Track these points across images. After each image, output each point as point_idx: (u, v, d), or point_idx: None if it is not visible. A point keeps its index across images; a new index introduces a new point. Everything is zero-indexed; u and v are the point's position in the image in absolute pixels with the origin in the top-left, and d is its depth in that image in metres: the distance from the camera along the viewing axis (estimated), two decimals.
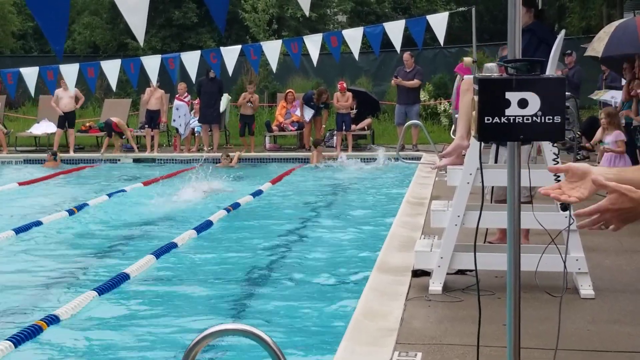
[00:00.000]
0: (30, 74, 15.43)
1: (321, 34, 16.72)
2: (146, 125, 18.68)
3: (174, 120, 18.42)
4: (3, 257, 8.82)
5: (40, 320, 6.16)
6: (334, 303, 6.81)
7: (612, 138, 9.57)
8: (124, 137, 18.57)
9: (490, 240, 7.20)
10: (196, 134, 18.74)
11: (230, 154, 16.93)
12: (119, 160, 17.83)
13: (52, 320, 6.18)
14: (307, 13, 4.55)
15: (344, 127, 17.80)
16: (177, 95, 18.45)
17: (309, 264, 8.27)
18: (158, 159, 17.80)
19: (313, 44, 15.36)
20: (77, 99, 18.73)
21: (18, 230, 9.87)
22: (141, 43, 3.94)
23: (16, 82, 15.80)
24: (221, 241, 9.45)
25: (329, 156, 16.91)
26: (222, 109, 18.54)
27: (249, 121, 18.25)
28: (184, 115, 18.28)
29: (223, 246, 9.18)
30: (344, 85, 18.39)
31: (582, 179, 2.44)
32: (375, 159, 16.25)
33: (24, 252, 9.06)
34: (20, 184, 14.33)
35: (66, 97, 18.23)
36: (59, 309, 6.42)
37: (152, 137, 18.44)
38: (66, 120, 18.43)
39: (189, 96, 18.76)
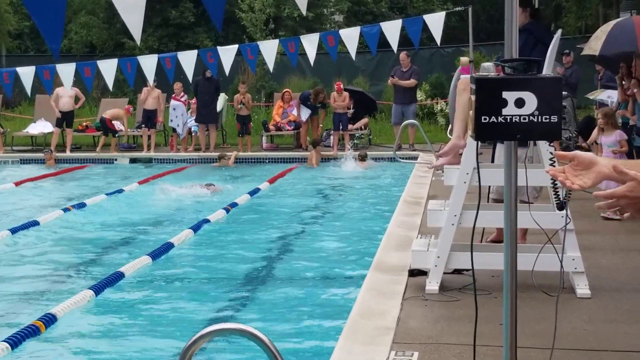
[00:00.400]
0: (26, 74, 15.41)
1: (318, 33, 16.71)
2: (143, 125, 18.67)
3: (172, 121, 18.41)
4: None
5: (37, 320, 6.15)
6: (330, 302, 6.82)
7: (614, 138, 9.57)
8: (117, 134, 18.57)
9: (492, 238, 7.21)
10: (193, 134, 18.73)
11: (227, 153, 16.92)
12: (116, 159, 17.81)
13: (49, 319, 6.18)
14: (304, 12, 4.54)
15: (340, 127, 17.79)
16: (173, 95, 18.44)
17: (306, 263, 8.27)
18: (155, 159, 17.79)
19: (310, 43, 15.36)
20: (77, 99, 18.73)
21: (14, 230, 9.85)
22: (138, 42, 3.94)
23: (12, 81, 15.77)
24: (218, 241, 9.45)
25: (327, 156, 16.90)
26: (219, 108, 18.53)
27: (245, 121, 18.23)
28: (181, 115, 18.27)
29: (220, 246, 9.17)
30: (341, 85, 18.39)
31: (588, 168, 2.47)
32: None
33: (20, 251, 9.04)
34: (17, 183, 14.31)
35: (66, 96, 18.22)
36: (56, 308, 6.42)
37: (149, 137, 18.43)
38: (64, 120, 18.41)
39: (186, 96, 18.74)
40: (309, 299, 6.94)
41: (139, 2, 3.62)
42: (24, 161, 17.84)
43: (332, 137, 18.00)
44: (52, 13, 3.29)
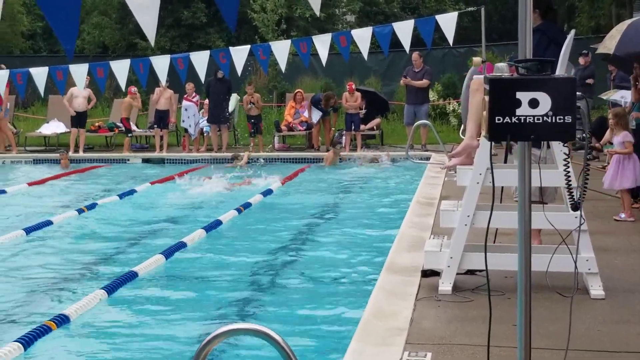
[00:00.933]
0: (39, 74, 15.46)
1: (330, 33, 16.70)
2: (155, 125, 18.72)
3: (183, 121, 18.46)
4: (13, 256, 8.85)
5: (50, 320, 6.17)
6: (343, 303, 6.80)
7: (619, 139, 9.52)
8: (130, 134, 18.63)
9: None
10: (205, 134, 18.77)
11: (240, 154, 16.94)
12: (128, 160, 17.87)
13: (62, 320, 6.19)
14: (317, 13, 4.52)
15: (353, 127, 17.79)
16: (185, 96, 18.48)
17: (319, 263, 8.27)
18: (167, 159, 17.84)
19: (322, 44, 15.35)
20: (89, 100, 18.81)
21: (28, 230, 9.90)
22: (152, 42, 3.93)
23: (25, 82, 15.83)
24: (231, 241, 9.46)
25: (342, 157, 16.90)
26: (230, 109, 18.56)
27: (256, 121, 18.27)
28: (193, 115, 18.32)
29: (233, 246, 9.18)
30: (353, 86, 18.39)
31: None
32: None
33: (34, 252, 9.08)
34: (30, 184, 14.37)
35: (81, 96, 18.30)
36: (68, 309, 6.44)
37: (161, 137, 18.48)
38: (78, 120, 18.49)
39: (198, 96, 18.79)
40: (322, 300, 6.94)
41: (153, 3, 3.62)
42: (37, 161, 17.91)
43: (344, 137, 18.01)
44: (66, 13, 3.30)
